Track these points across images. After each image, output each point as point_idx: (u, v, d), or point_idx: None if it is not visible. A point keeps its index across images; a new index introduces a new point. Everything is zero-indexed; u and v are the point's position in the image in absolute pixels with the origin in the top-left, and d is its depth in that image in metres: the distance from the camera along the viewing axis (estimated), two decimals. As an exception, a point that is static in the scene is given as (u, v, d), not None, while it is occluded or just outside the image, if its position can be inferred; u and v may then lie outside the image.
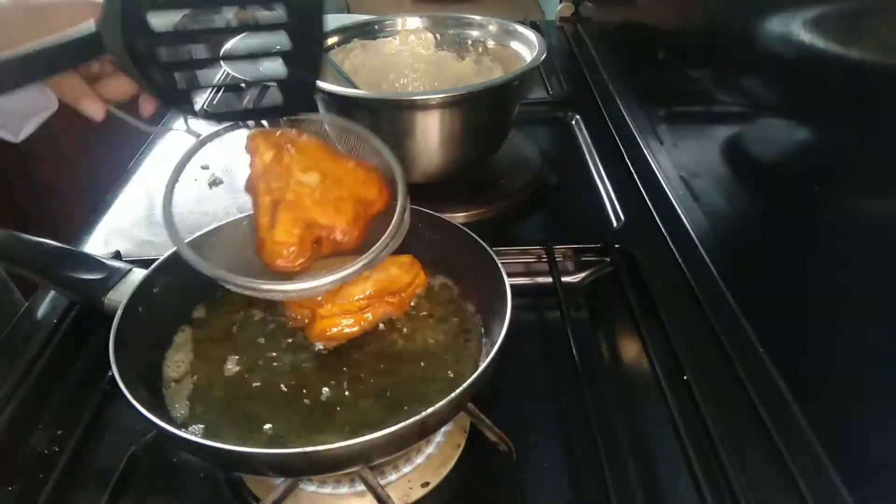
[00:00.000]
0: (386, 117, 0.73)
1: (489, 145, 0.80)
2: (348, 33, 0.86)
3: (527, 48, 0.79)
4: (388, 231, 0.47)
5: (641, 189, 0.80)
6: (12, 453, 0.52)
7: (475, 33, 0.86)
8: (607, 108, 1.00)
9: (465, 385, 0.43)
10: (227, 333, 0.55)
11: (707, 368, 0.56)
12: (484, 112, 0.74)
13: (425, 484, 0.49)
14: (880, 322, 0.44)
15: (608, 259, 0.69)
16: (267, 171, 0.50)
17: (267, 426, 0.47)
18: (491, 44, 0.85)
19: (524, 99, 1.06)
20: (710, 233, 0.69)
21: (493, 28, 0.85)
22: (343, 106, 0.74)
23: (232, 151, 1.00)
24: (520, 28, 0.82)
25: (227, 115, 0.50)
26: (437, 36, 0.87)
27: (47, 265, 0.55)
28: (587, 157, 0.91)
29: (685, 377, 0.55)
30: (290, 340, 0.54)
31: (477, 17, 0.86)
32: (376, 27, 0.87)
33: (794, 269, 0.55)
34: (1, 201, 1.56)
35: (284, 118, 0.52)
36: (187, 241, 0.52)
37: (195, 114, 0.49)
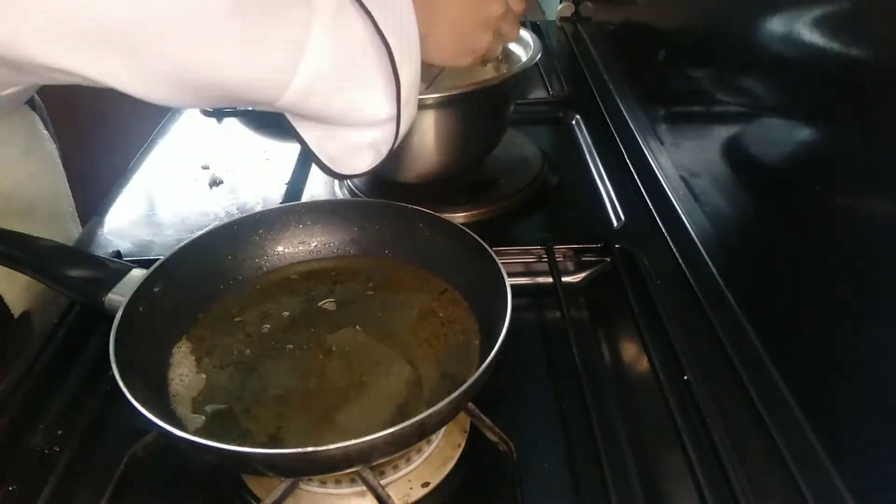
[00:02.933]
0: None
1: (485, 145, 0.81)
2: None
3: (522, 48, 0.79)
4: None
5: (641, 189, 0.80)
6: (12, 453, 0.52)
7: None
8: (607, 108, 1.00)
9: (465, 385, 0.43)
10: (229, 332, 0.55)
11: (707, 368, 0.56)
12: (479, 112, 0.74)
13: (425, 484, 0.49)
14: (881, 321, 0.44)
15: (608, 259, 0.69)
16: None
17: (268, 425, 0.47)
18: None
19: (524, 99, 1.06)
20: (711, 233, 0.69)
21: None
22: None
23: (232, 152, 1.00)
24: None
25: None
26: None
27: (47, 264, 0.55)
28: (587, 157, 0.91)
29: (685, 377, 0.55)
30: (292, 338, 0.54)
31: None
32: None
33: (795, 268, 0.55)
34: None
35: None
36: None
37: None
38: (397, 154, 0.74)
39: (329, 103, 0.47)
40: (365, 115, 0.48)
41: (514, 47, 0.81)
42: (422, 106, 0.70)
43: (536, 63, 1.12)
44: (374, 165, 0.52)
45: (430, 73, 0.74)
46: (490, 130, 0.79)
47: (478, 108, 0.73)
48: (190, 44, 0.40)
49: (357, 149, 0.51)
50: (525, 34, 0.80)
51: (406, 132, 0.51)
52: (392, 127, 0.49)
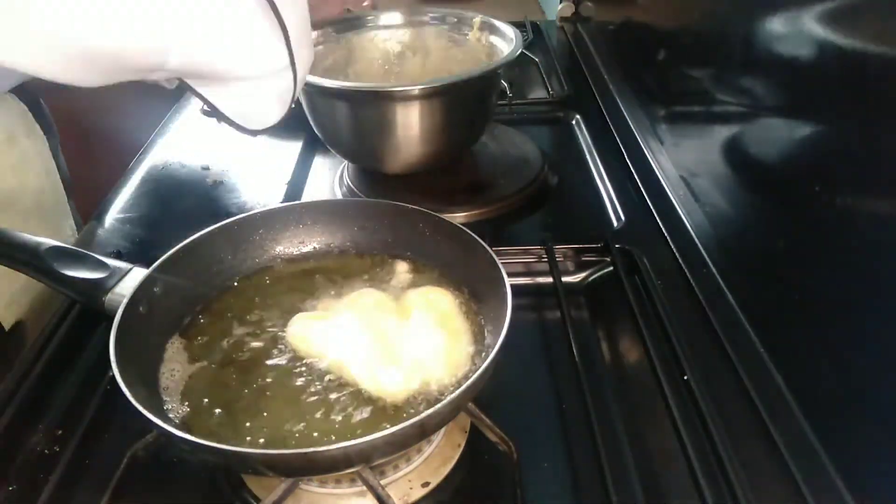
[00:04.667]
0: (366, 108, 0.74)
1: (468, 136, 0.82)
2: (337, 26, 0.86)
3: (505, 43, 0.80)
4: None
5: (641, 189, 0.80)
6: (12, 453, 0.52)
7: (457, 27, 0.87)
8: (607, 108, 1.00)
9: (465, 385, 0.43)
10: (229, 331, 0.55)
11: (707, 368, 0.56)
12: (462, 104, 0.75)
13: (425, 484, 0.49)
14: (881, 321, 0.44)
15: (608, 259, 0.69)
16: None
17: (267, 425, 0.47)
18: (472, 38, 0.85)
19: (524, 99, 1.06)
20: (711, 233, 0.69)
21: (474, 21, 0.86)
22: (325, 97, 0.75)
23: (232, 152, 1.00)
24: (497, 23, 0.83)
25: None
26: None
27: (47, 265, 0.55)
28: (587, 157, 0.91)
29: (685, 377, 0.55)
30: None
31: (459, 12, 0.87)
32: (364, 21, 0.88)
33: (795, 268, 0.55)
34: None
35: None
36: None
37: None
38: (383, 144, 0.75)
39: (217, 57, 0.45)
40: (256, 64, 0.47)
41: (497, 42, 0.82)
42: (406, 97, 0.71)
43: (537, 63, 1.14)
44: (281, 117, 0.53)
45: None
46: (473, 122, 0.80)
47: (460, 100, 0.75)
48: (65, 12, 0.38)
49: (261, 102, 0.51)
50: (508, 29, 0.81)
51: (304, 78, 0.51)
52: (289, 74, 0.48)
